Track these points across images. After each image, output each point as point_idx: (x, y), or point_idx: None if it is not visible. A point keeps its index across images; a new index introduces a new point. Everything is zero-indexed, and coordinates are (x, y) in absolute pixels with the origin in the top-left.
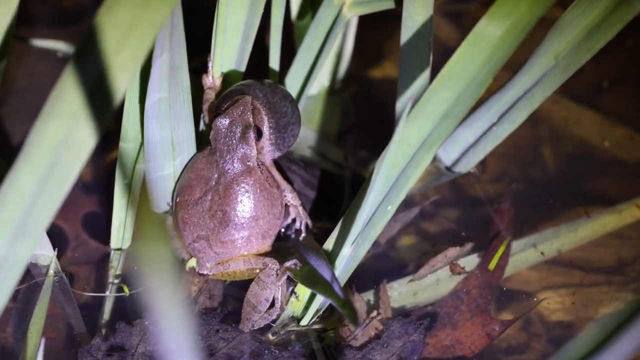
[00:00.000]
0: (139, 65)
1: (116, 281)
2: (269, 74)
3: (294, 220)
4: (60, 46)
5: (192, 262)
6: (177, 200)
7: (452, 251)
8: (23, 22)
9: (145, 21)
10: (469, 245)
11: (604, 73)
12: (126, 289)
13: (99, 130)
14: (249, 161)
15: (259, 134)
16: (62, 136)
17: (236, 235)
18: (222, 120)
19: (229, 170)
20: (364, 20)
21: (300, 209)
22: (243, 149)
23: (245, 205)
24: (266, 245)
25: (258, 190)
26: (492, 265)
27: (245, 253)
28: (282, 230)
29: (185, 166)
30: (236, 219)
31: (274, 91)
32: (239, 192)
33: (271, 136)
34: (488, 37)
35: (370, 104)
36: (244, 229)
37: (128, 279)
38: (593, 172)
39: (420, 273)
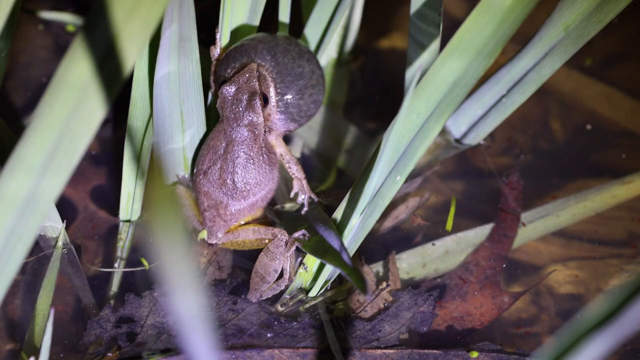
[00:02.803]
0: (149, 34)
1: (125, 253)
2: None
3: (296, 195)
4: (67, 18)
5: (203, 234)
6: (195, 171)
7: (413, 201)
8: None
9: None
10: (427, 194)
11: (614, 45)
12: (145, 262)
13: (109, 101)
14: (255, 128)
15: (266, 101)
16: (71, 107)
17: (243, 201)
18: (228, 88)
19: (237, 138)
20: None
21: (304, 182)
22: (250, 116)
23: (251, 171)
24: (262, 208)
25: (262, 157)
26: (448, 225)
27: (248, 216)
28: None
29: (204, 137)
30: (242, 186)
31: (286, 49)
32: (246, 160)
33: (279, 103)
34: (497, 6)
35: (378, 76)
36: (250, 195)
37: (137, 251)
38: (601, 144)
39: (385, 225)
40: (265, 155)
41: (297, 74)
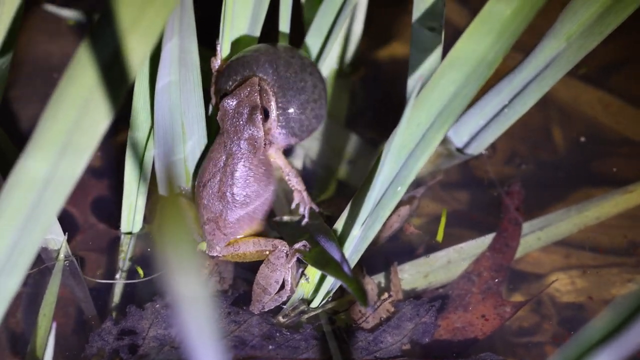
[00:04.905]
0: (152, 45)
1: (126, 265)
2: None
3: (297, 206)
4: (69, 14)
5: (202, 246)
6: (195, 183)
7: (404, 210)
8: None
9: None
10: (416, 202)
11: (614, 54)
12: (140, 271)
13: (112, 112)
14: (256, 142)
15: (266, 115)
16: (74, 119)
17: (242, 213)
18: (229, 101)
19: (236, 152)
20: (372, 1)
21: (305, 194)
22: (250, 130)
23: (251, 185)
24: (263, 222)
25: (262, 170)
26: (439, 236)
27: (249, 230)
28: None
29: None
30: (242, 199)
31: (288, 62)
32: (246, 173)
33: (281, 117)
34: (497, 17)
35: (379, 86)
36: (248, 208)
37: (139, 263)
38: (603, 152)
39: (382, 236)
40: (263, 168)
41: (299, 88)
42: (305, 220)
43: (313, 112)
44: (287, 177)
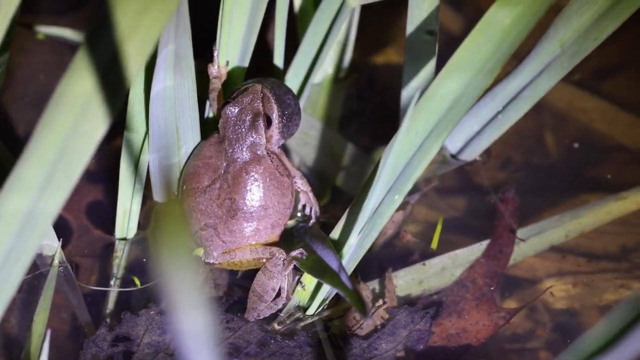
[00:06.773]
0: (149, 52)
1: (121, 271)
2: (274, 64)
3: (304, 207)
4: (64, 33)
5: (198, 251)
6: (184, 188)
7: (397, 215)
8: (25, 8)
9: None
10: (409, 207)
11: (608, 59)
12: (137, 281)
13: (109, 118)
14: (258, 150)
15: (269, 122)
16: (71, 125)
17: (245, 224)
18: (231, 108)
19: (238, 159)
20: (366, 7)
21: (311, 195)
22: (252, 137)
23: (254, 194)
24: (275, 234)
25: (268, 179)
26: (434, 244)
27: (254, 242)
28: (299, 214)
29: (191, 154)
30: (245, 208)
31: (279, 86)
32: (248, 181)
33: (279, 124)
34: (497, 25)
35: (373, 91)
36: (252, 219)
37: (133, 269)
38: (596, 159)
39: (376, 242)
40: (273, 179)
41: (287, 104)
42: (312, 221)
43: (295, 122)
44: (292, 180)
